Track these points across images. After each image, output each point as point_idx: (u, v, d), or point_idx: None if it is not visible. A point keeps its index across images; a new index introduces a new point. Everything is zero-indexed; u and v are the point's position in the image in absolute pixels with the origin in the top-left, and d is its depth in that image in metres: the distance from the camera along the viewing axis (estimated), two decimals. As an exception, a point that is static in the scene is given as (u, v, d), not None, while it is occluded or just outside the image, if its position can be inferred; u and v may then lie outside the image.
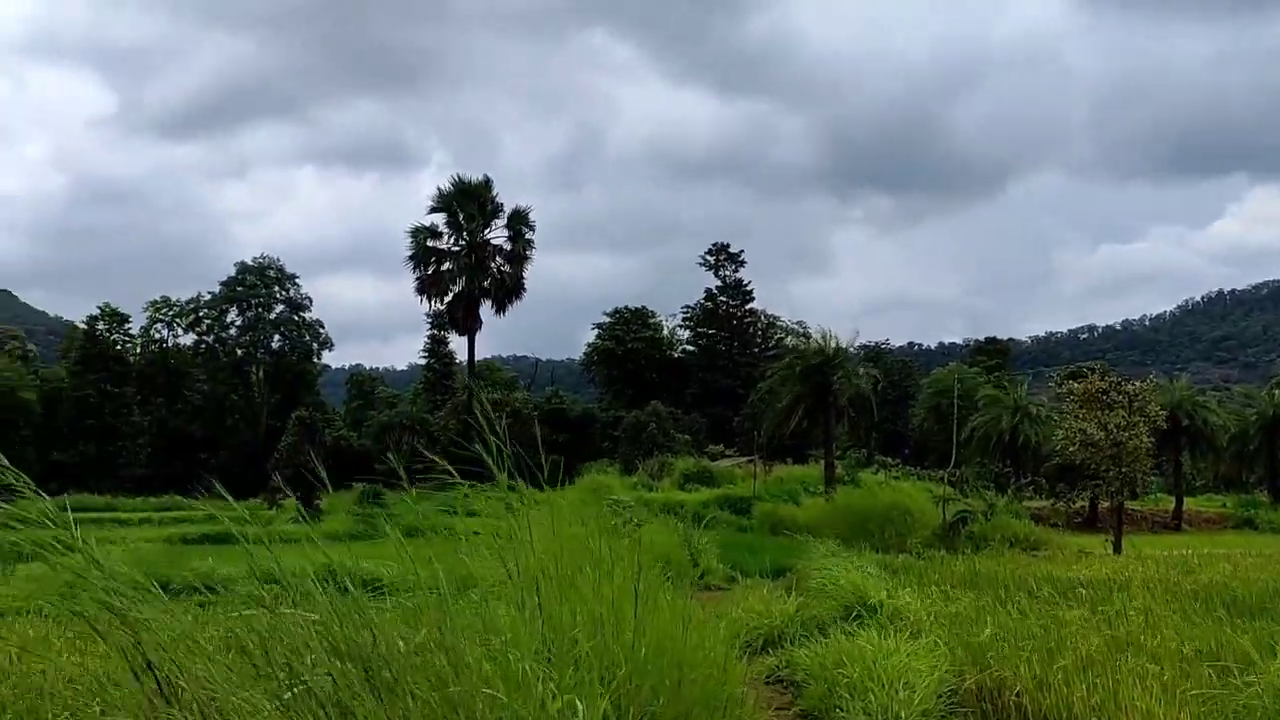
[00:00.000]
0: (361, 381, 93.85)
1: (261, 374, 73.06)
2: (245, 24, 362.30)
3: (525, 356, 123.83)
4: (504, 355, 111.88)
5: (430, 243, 52.63)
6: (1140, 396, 20.92)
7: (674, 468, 45.95)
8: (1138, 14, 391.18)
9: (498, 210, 53.54)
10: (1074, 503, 32.66)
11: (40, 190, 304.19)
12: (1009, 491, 28.27)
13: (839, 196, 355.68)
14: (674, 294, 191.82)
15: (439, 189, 53.39)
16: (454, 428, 56.63)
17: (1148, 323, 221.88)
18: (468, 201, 52.36)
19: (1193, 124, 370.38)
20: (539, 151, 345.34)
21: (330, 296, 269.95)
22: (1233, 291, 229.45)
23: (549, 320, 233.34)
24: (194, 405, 70.98)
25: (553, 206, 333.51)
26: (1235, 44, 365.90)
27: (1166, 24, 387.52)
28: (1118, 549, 21.53)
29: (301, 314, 73.83)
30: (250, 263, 73.41)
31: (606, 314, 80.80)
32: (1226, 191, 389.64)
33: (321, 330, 74.68)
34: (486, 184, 53.05)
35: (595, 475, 43.06)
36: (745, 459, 48.80)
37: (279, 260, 74.66)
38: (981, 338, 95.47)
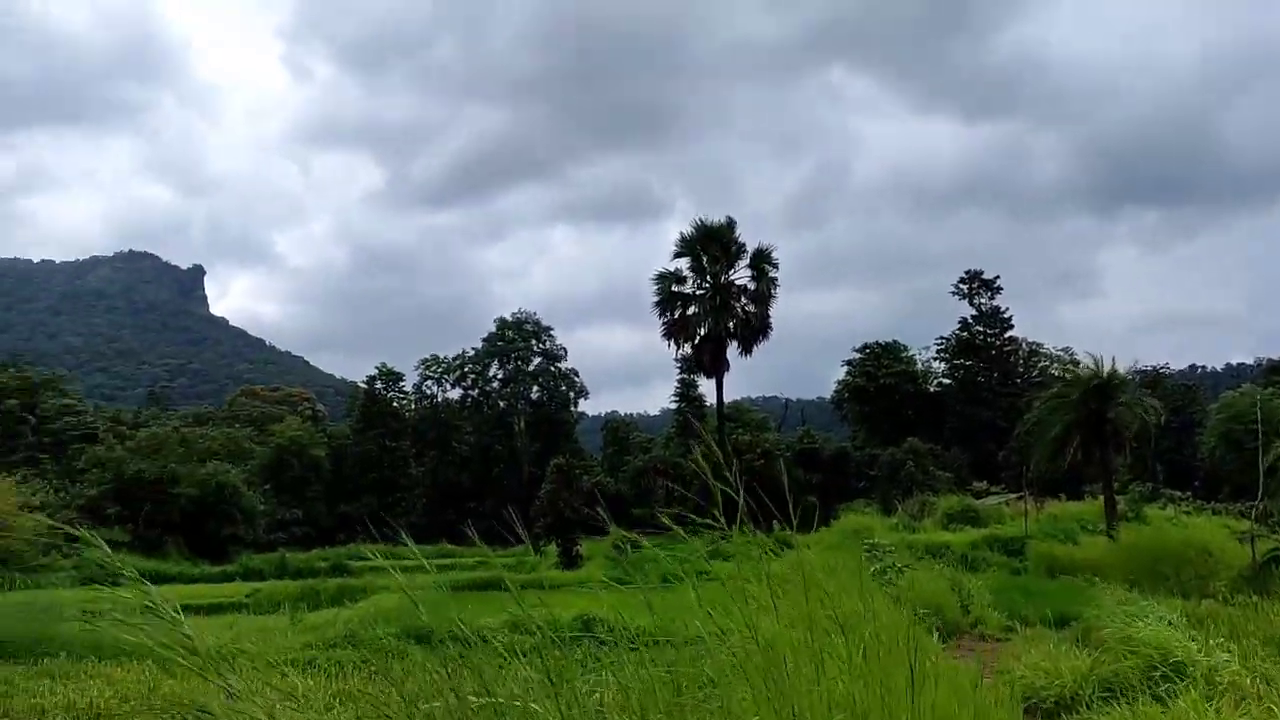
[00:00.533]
0: (616, 428, 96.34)
1: (523, 424, 76.56)
2: (498, 94, 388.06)
3: (775, 397, 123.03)
4: (753, 397, 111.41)
5: (675, 287, 53.22)
6: None
7: (936, 507, 43.84)
8: None
9: (741, 251, 53.48)
10: None
11: (326, 263, 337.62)
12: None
13: (1101, 214, 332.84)
14: (926, 326, 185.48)
15: (681, 234, 54.12)
16: (704, 471, 56.91)
17: None
18: (711, 244, 52.65)
19: None
20: (781, 191, 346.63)
21: (586, 346, 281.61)
22: None
23: (798, 360, 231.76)
24: (462, 456, 75.31)
25: (796, 245, 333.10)
26: None
27: None
28: None
29: (557, 365, 77.04)
30: (509, 318, 77.65)
31: (856, 350, 79.04)
32: None
33: (576, 379, 77.60)
34: (729, 226, 53.22)
35: (853, 517, 41.79)
36: (1013, 496, 45.83)
37: (535, 314, 78.53)
38: (1276, 356, 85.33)
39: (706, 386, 67.88)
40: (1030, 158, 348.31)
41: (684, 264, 54.02)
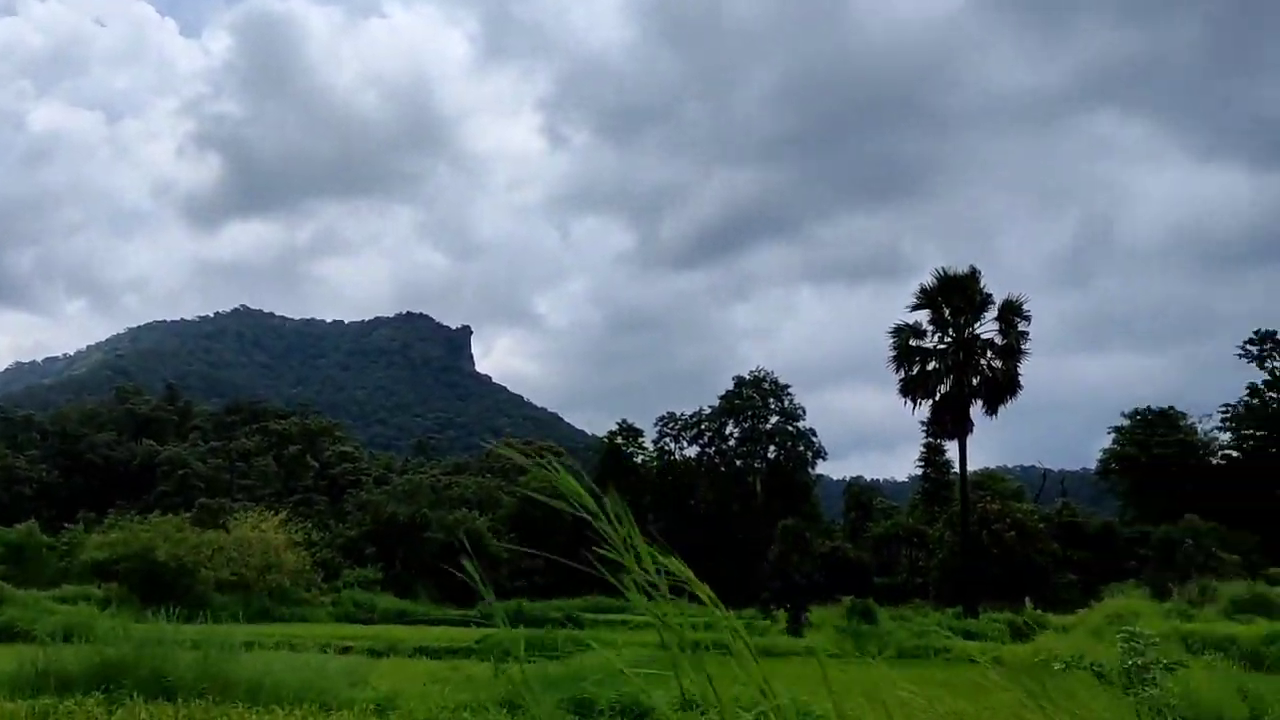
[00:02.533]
0: (858, 492, 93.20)
1: (759, 484, 75.39)
2: (746, 155, 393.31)
3: (1032, 466, 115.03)
4: (1009, 465, 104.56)
5: (913, 341, 50.32)
6: None
7: (1219, 593, 38.70)
8: None
9: (986, 303, 50.01)
10: None
11: (581, 322, 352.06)
12: None
13: None
14: (1210, 394, 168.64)
15: (921, 285, 51.17)
16: (950, 541, 53.29)
17: None
18: (953, 295, 49.61)
19: None
20: (1041, 248, 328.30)
21: (832, 408, 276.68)
22: None
23: (1059, 428, 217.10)
24: (698, 514, 74.99)
25: (1060, 305, 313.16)
26: None
27: None
28: None
29: (795, 424, 75.47)
30: (747, 377, 77.00)
31: (1125, 416, 72.38)
32: None
33: (815, 440, 75.65)
34: (973, 276, 50.03)
35: (1117, 600, 37.57)
36: (1317, 586, 39.75)
37: (773, 373, 77.51)
38: None
39: (954, 452, 64.19)
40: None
41: (923, 316, 51.28)
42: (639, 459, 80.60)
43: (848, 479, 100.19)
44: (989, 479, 75.79)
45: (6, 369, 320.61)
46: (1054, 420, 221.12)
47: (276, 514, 50.42)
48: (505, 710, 11.64)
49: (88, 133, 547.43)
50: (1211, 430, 71.05)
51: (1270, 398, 67.38)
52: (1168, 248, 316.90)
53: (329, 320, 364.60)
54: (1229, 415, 69.64)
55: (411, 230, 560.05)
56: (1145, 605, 35.15)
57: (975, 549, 48.57)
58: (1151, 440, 68.64)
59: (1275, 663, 25.01)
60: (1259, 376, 68.11)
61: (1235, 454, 69.23)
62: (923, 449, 75.06)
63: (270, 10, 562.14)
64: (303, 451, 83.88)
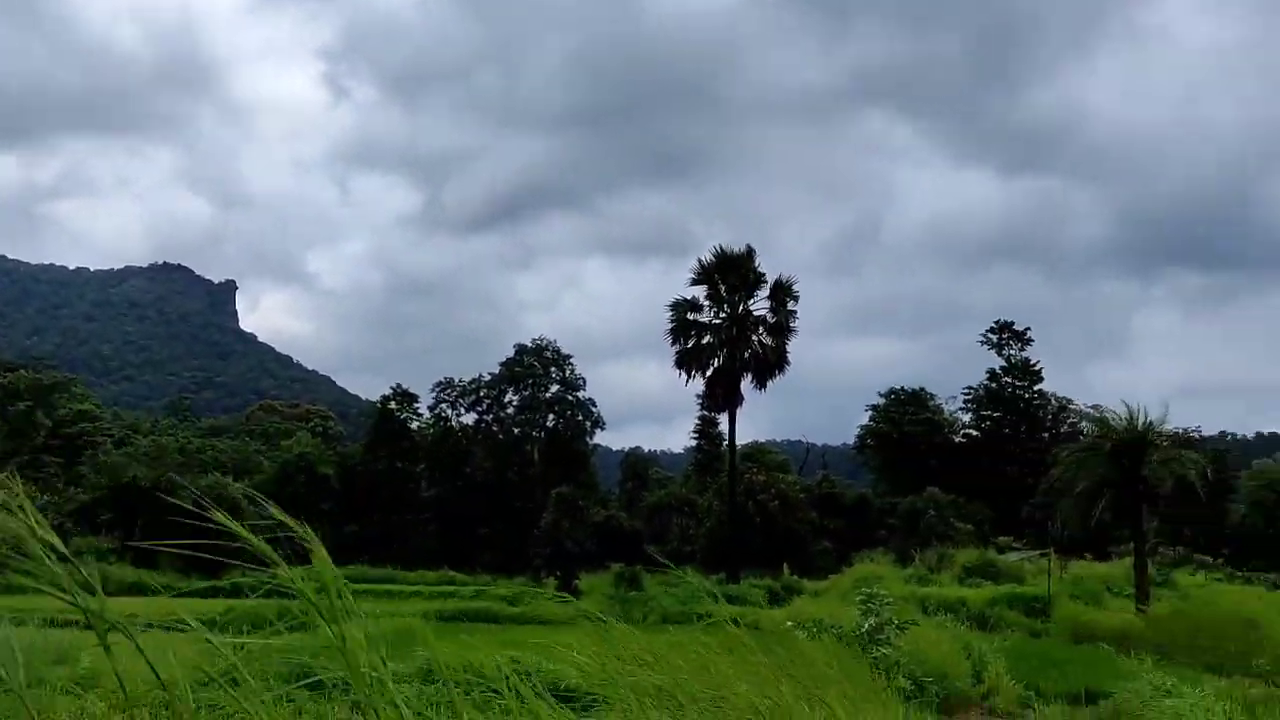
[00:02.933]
0: (635, 463, 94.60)
1: (536, 452, 75.01)
2: (537, 125, 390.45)
3: (799, 441, 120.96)
4: (778, 440, 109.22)
5: (690, 315, 51.24)
6: None
7: (954, 560, 41.79)
8: None
9: (760, 281, 51.57)
10: None
11: (359, 284, 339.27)
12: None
13: (1139, 276, 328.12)
14: (957, 378, 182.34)
15: (700, 260, 52.22)
16: (718, 510, 54.90)
17: None
18: (729, 273, 50.76)
19: None
20: (816, 237, 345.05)
21: (616, 381, 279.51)
22: None
23: (827, 407, 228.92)
24: (475, 482, 73.81)
25: (833, 291, 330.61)
26: None
27: None
28: None
29: (575, 394, 75.45)
30: (529, 345, 76.21)
31: (881, 394, 76.93)
32: None
33: (594, 409, 75.83)
34: (749, 255, 51.43)
35: (866, 565, 39.80)
36: (1037, 553, 43.66)
37: (555, 342, 77.07)
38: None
39: (727, 425, 66.11)
40: (1069, 216, 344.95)
41: (700, 292, 52.27)
42: (414, 425, 78.32)
43: (627, 450, 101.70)
44: (758, 451, 78.81)
45: None
46: (821, 399, 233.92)
47: (-5, 476, 45.37)
48: (229, 684, 10.48)
49: None
50: (955, 411, 76.80)
51: (1006, 382, 73.42)
52: (926, 244, 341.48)
53: (72, 267, 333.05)
54: (970, 398, 75.40)
55: (170, 176, 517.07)
56: (889, 570, 37.44)
57: (741, 518, 50.34)
58: (903, 418, 73.29)
59: (998, 623, 27.15)
60: (997, 363, 74.11)
61: (975, 433, 75.09)
62: (697, 421, 76.92)
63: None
64: (32, 408, 76.28)
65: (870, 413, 76.80)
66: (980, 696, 12.74)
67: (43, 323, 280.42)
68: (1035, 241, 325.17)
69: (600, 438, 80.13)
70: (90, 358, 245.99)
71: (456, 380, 76.95)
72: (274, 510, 2.74)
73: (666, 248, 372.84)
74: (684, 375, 51.11)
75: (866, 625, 11.77)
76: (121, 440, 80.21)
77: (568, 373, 75.22)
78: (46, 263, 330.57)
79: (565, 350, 76.92)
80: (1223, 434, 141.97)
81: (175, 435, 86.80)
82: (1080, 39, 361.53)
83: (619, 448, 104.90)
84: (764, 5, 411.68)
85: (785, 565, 45.32)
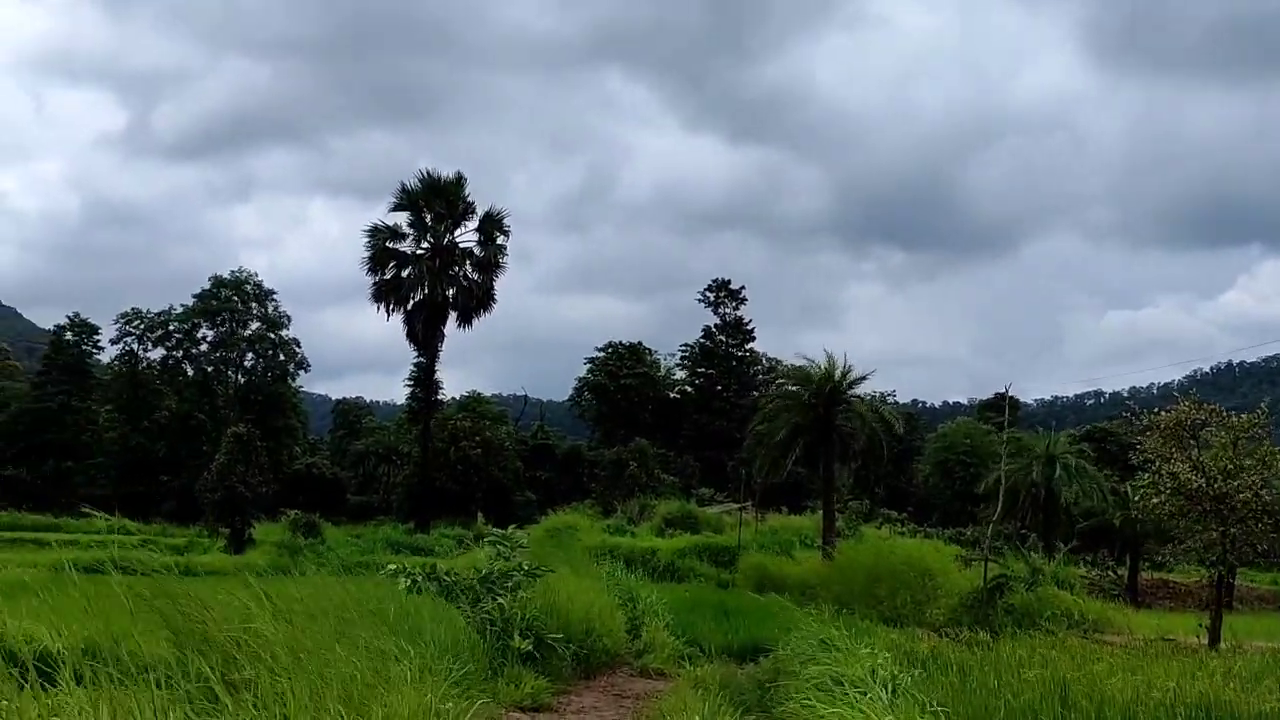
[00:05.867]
0: (348, 411, 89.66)
1: (231, 393, 68.87)
2: (258, 51, 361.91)
3: (521, 395, 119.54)
4: (504, 394, 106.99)
5: (390, 244, 47.31)
6: (1254, 431, 16.05)
7: (655, 511, 41.59)
8: (1159, 81, 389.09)
9: (469, 211, 48.26)
10: (1114, 571, 28.00)
11: (54, 208, 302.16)
12: (1058, 555, 23.49)
13: (852, 250, 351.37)
14: (678, 337, 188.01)
15: (403, 184, 47.95)
16: (415, 457, 52.06)
17: (1155, 390, 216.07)
18: (435, 200, 47.05)
19: (1210, 192, 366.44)
20: (549, 191, 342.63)
21: (338, 327, 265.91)
22: (1242, 364, 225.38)
23: (551, 363, 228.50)
24: (160, 424, 66.75)
25: (561, 248, 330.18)
26: (1259, 114, 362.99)
27: (1188, 92, 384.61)
28: (1215, 640, 15.92)
29: (278, 332, 69.71)
30: (226, 277, 69.46)
31: (599, 349, 76.55)
32: (1239, 263, 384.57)
33: (298, 350, 70.45)
34: (458, 182, 47.87)
35: (563, 515, 38.67)
36: (736, 506, 44.45)
37: (256, 275, 70.71)
38: (988, 396, 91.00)
39: (449, 375, 63.09)
40: (789, 190, 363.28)
41: (403, 219, 48.33)
42: (92, 358, 69.74)
43: (350, 398, 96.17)
44: (475, 401, 76.46)
45: None
46: (550, 354, 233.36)
47: None
48: None
49: None
50: (672, 366, 77.92)
51: (720, 340, 75.14)
52: (657, 205, 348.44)
53: None
54: (686, 354, 76.74)
55: None
56: (585, 520, 36.48)
57: (439, 465, 47.72)
58: (621, 371, 73.37)
59: (688, 573, 26.71)
60: (714, 320, 75.70)
61: (689, 390, 76.52)
62: (413, 368, 73.47)
63: None
64: None
65: (588, 366, 76.48)
66: (635, 654, 11.32)
67: None
68: (759, 210, 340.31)
69: (321, 386, 75.51)
70: None
71: (145, 312, 69.01)
72: None
73: (395, 191, 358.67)
74: (382, 308, 47.27)
75: (484, 573, 9.85)
76: None
77: (269, 310, 69.35)
78: None
79: (269, 286, 70.82)
80: (914, 401, 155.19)
81: None
82: (810, 20, 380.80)
83: (339, 396, 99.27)
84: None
85: (480, 514, 43.42)
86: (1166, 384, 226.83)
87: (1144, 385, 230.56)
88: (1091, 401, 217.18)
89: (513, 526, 11.26)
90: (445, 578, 8.98)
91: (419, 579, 8.84)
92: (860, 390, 31.86)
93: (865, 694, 6.58)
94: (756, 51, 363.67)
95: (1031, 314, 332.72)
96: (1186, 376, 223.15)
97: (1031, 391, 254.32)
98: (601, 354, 75.69)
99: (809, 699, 6.80)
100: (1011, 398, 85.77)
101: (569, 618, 9.53)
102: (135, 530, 46.28)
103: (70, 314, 69.14)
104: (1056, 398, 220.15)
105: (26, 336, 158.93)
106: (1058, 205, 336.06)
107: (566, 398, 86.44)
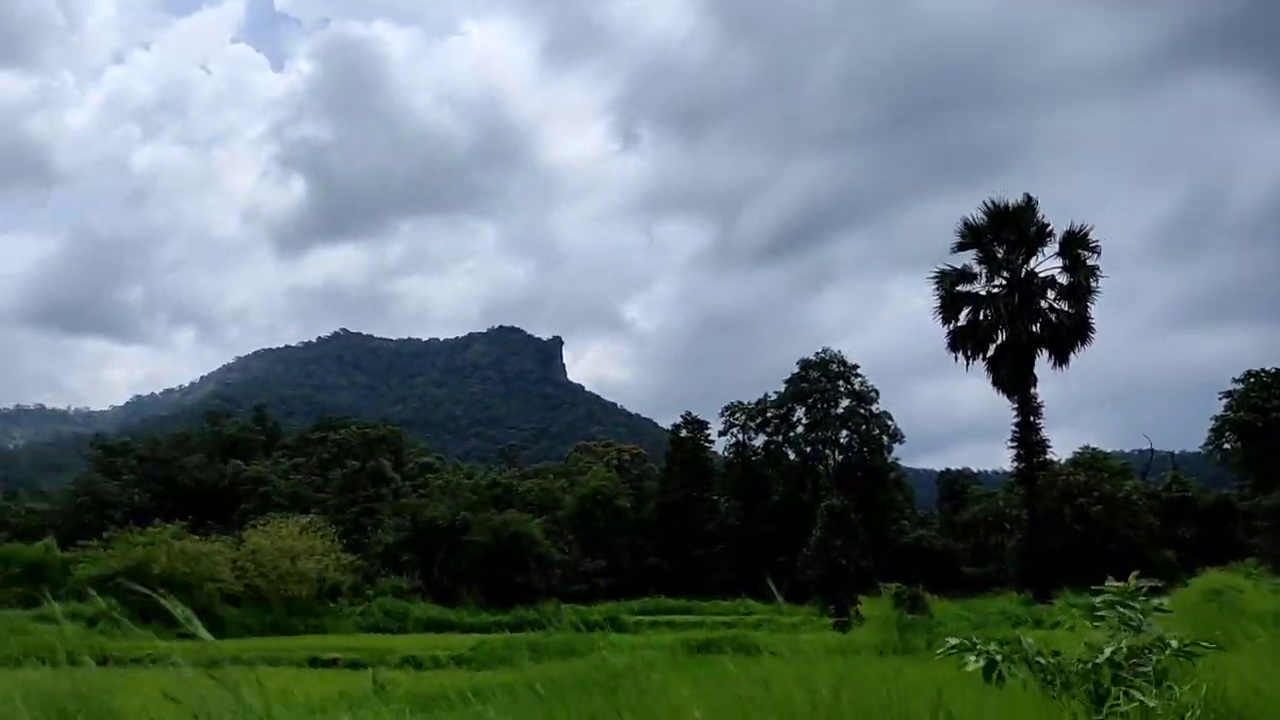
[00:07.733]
0: (952, 481, 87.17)
1: (832, 472, 70.42)
2: (819, 147, 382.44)
3: (1146, 449, 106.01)
4: (1125, 450, 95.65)
5: (960, 287, 44.14)
6: None
7: (1344, 566, 32.67)
8: None
9: (1045, 235, 43.38)
10: None
11: (669, 326, 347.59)
12: None
13: None
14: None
15: (964, 220, 44.49)
16: (1025, 521, 47.53)
17: None
18: (1005, 229, 43.14)
19: None
20: (1143, 219, 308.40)
21: (933, 400, 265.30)
22: None
23: (1178, 409, 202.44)
24: (768, 507, 70.41)
25: (1167, 282, 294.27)
26: None
27: None
28: None
29: (868, 407, 70.10)
30: (812, 358, 71.97)
31: (1236, 379, 64.71)
32: None
33: (890, 422, 70.07)
34: (1028, 205, 43.30)
35: (1216, 574, 31.86)
36: None
37: (840, 353, 72.27)
38: None
39: (1055, 435, 57.41)
40: None
41: (970, 258, 44.82)
42: (707, 453, 76.45)
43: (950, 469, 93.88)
44: (1091, 457, 69.01)
45: (127, 402, 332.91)
46: (1168, 399, 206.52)
47: (301, 518, 48.09)
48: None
49: (184, 170, 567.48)
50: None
51: None
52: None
53: (425, 339, 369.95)
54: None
55: (496, 244, 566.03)
56: (1246, 581, 29.47)
57: (1054, 527, 42.69)
58: (1270, 404, 61.13)
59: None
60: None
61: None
62: (1014, 428, 68.74)
63: (350, 34, 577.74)
64: (371, 463, 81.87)
65: (1225, 401, 64.83)
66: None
67: (404, 391, 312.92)
68: None
69: (924, 461, 74.70)
70: (445, 419, 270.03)
71: (745, 403, 74.11)
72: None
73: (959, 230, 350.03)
74: (960, 357, 43.86)
75: (1108, 653, 6.52)
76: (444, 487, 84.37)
77: (857, 384, 70.07)
78: (404, 337, 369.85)
79: (852, 361, 71.75)
80: None
81: (492, 478, 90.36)
82: None
83: (942, 468, 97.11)
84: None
85: (1109, 578, 37.55)
86: None
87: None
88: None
89: (1133, 577, 7.95)
90: (1041, 659, 6.24)
91: (998, 658, 6.22)
92: None
93: None
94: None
95: None
96: None
97: None
98: (1240, 386, 63.94)
99: None
100: None
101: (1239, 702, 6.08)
102: (756, 610, 48.46)
103: (684, 413, 76.47)
104: None
105: (663, 443, 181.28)
106: None
107: (1200, 445, 74.04)
